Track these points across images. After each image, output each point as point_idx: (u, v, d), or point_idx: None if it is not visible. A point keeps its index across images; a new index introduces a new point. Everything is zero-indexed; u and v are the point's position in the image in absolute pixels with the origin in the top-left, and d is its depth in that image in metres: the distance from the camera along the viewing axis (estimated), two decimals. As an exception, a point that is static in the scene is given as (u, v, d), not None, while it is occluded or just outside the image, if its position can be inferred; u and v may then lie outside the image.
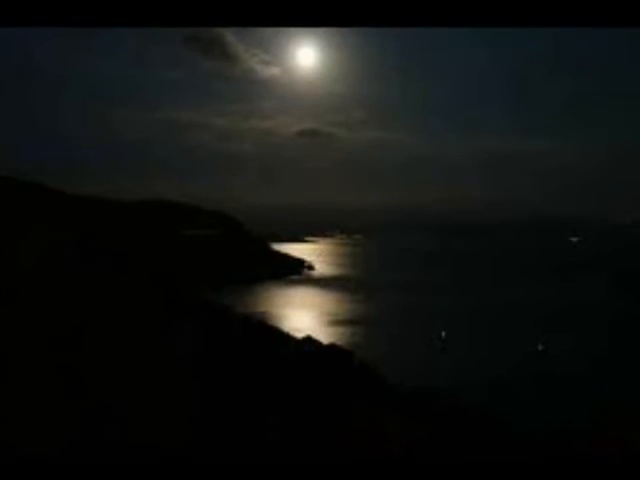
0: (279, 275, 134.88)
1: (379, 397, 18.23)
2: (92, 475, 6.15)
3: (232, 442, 8.87)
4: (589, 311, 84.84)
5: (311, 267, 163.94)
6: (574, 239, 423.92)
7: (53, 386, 9.04)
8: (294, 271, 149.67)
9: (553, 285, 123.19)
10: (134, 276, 22.48)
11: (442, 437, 13.52)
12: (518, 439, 17.17)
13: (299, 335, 30.42)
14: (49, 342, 10.75)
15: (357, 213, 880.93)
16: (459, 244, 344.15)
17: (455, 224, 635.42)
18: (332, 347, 27.27)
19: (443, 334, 64.56)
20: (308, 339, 27.99)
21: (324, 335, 51.92)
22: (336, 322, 76.16)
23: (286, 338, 26.16)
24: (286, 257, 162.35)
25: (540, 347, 58.33)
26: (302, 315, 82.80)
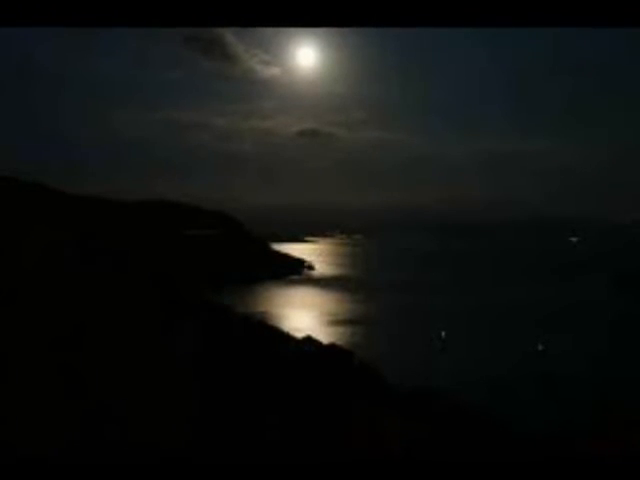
0: (279, 275, 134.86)
1: (379, 397, 18.23)
2: (92, 475, 6.15)
3: (232, 442, 8.87)
4: (589, 311, 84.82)
5: (311, 267, 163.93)
6: (574, 239, 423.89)
7: (53, 386, 9.04)
8: (294, 271, 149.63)
9: (553, 285, 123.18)
10: (134, 276, 22.48)
11: (442, 437, 13.52)
12: (518, 439, 17.18)
13: (299, 335, 30.43)
14: (49, 342, 10.75)
15: (357, 213, 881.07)
16: (459, 244, 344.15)
17: (455, 224, 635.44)
18: (332, 347, 27.28)
19: (443, 334, 64.56)
20: (308, 339, 28.00)
21: (324, 335, 51.92)
22: (336, 322, 76.16)
23: (286, 338, 26.17)
24: (286, 257, 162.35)
25: (540, 347, 58.33)
26: (302, 315, 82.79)
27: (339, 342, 37.59)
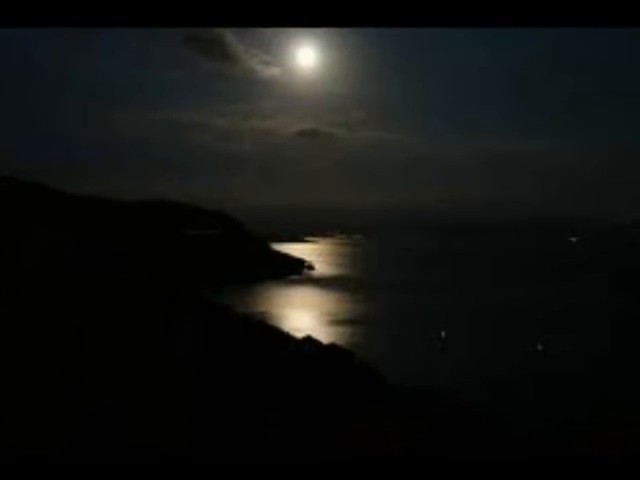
0: (279, 275, 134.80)
1: (379, 397, 18.23)
2: (92, 475, 6.15)
3: (232, 442, 8.87)
4: (589, 311, 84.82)
5: (311, 267, 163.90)
6: (574, 239, 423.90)
7: (53, 386, 9.04)
8: (294, 271, 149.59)
9: (553, 285, 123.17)
10: (134, 276, 22.48)
11: (442, 437, 13.52)
12: (518, 439, 17.17)
13: (299, 335, 30.43)
14: (49, 342, 10.75)
15: (357, 213, 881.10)
16: (459, 244, 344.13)
17: (455, 224, 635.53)
18: (332, 347, 27.28)
19: (443, 334, 64.55)
20: (308, 339, 28.00)
21: (324, 335, 51.91)
22: (336, 322, 76.16)
23: (286, 338, 26.17)
24: (286, 257, 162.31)
25: (540, 347, 58.33)
26: (302, 315, 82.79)
27: (339, 342, 37.58)
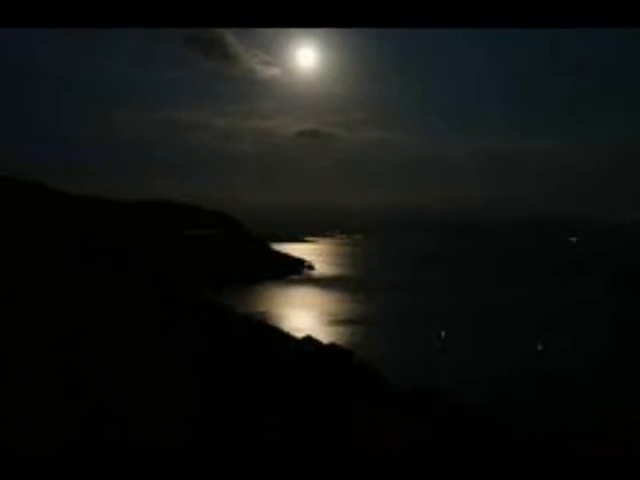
0: (279, 275, 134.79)
1: (379, 397, 18.23)
2: (92, 475, 6.15)
3: (232, 442, 8.87)
4: (589, 311, 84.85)
5: (311, 267, 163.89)
6: (573, 239, 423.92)
7: (53, 386, 9.04)
8: (294, 271, 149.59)
9: (553, 285, 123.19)
10: (134, 276, 22.48)
11: (442, 437, 13.52)
12: (518, 439, 17.17)
13: (299, 335, 30.42)
14: (49, 342, 10.75)
15: (357, 213, 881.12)
16: (459, 244, 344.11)
17: (455, 224, 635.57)
18: (332, 347, 27.27)
19: (443, 334, 64.56)
20: (308, 339, 27.99)
21: (324, 335, 51.90)
22: (336, 322, 76.17)
23: (286, 338, 26.17)
24: (286, 257, 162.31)
25: (540, 347, 58.34)
26: (302, 315, 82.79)
27: (339, 342, 37.57)
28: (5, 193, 58.38)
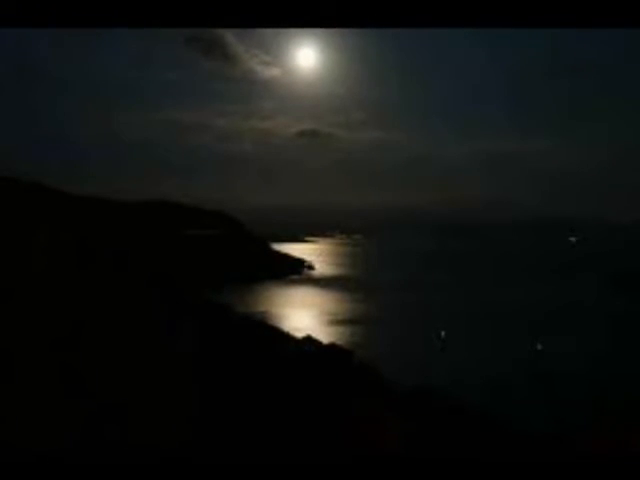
0: (279, 275, 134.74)
1: (379, 396, 18.23)
2: (92, 475, 6.15)
3: (232, 442, 8.87)
4: (588, 311, 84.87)
5: (311, 267, 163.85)
6: (573, 239, 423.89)
7: (53, 386, 9.04)
8: (294, 271, 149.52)
9: (552, 285, 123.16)
10: (134, 276, 22.48)
11: (441, 436, 13.53)
12: (518, 438, 17.17)
13: (299, 335, 30.42)
14: (49, 342, 10.75)
15: (357, 213, 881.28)
16: (459, 244, 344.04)
17: (455, 224, 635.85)
18: (332, 346, 27.27)
19: (443, 333, 64.56)
20: (308, 339, 28.00)
21: (324, 334, 51.89)
22: (336, 322, 76.15)
23: (286, 338, 26.19)
24: (286, 257, 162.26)
25: (539, 347, 58.35)
26: (302, 315, 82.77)
27: (339, 342, 37.57)
28: (5, 193, 58.36)
